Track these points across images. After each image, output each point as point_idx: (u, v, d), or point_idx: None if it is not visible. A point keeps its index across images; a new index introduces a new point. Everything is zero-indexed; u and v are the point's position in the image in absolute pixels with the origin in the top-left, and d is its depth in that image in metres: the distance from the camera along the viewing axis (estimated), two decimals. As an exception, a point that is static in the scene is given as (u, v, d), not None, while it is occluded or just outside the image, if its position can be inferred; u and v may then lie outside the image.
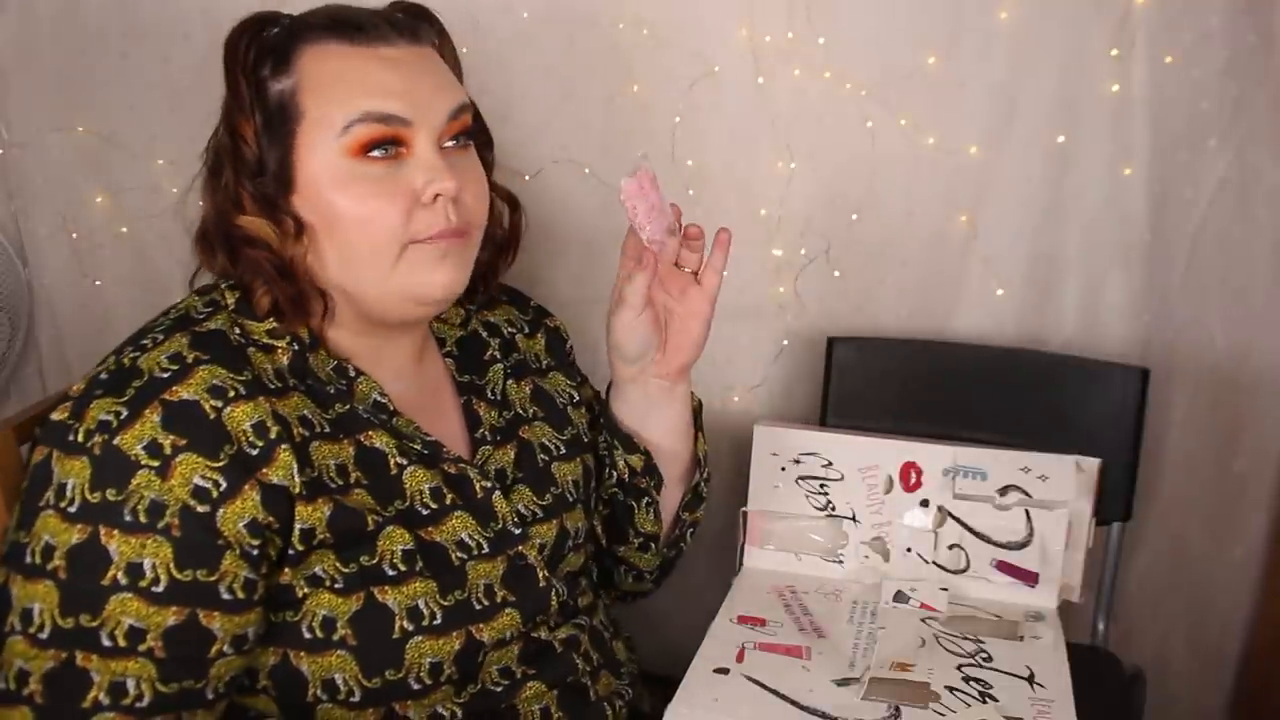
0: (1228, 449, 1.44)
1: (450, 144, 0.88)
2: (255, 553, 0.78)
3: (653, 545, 1.09)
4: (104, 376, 0.80)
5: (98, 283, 1.48)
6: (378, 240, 0.84)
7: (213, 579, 0.76)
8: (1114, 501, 1.29)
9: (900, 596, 1.06)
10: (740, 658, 0.96)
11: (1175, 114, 1.31)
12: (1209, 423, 1.43)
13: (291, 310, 0.85)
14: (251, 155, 0.85)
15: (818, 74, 1.34)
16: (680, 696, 0.89)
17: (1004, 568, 1.09)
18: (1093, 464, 1.08)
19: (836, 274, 1.41)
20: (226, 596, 0.77)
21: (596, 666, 0.98)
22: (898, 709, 0.88)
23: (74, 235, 1.46)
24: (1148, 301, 1.38)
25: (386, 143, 0.84)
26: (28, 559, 0.75)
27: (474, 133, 0.92)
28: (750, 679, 0.92)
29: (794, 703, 0.89)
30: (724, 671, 0.93)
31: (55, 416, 0.78)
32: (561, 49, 1.35)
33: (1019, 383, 1.36)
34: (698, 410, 1.10)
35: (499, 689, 0.90)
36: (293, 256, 0.85)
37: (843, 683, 0.92)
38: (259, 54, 0.86)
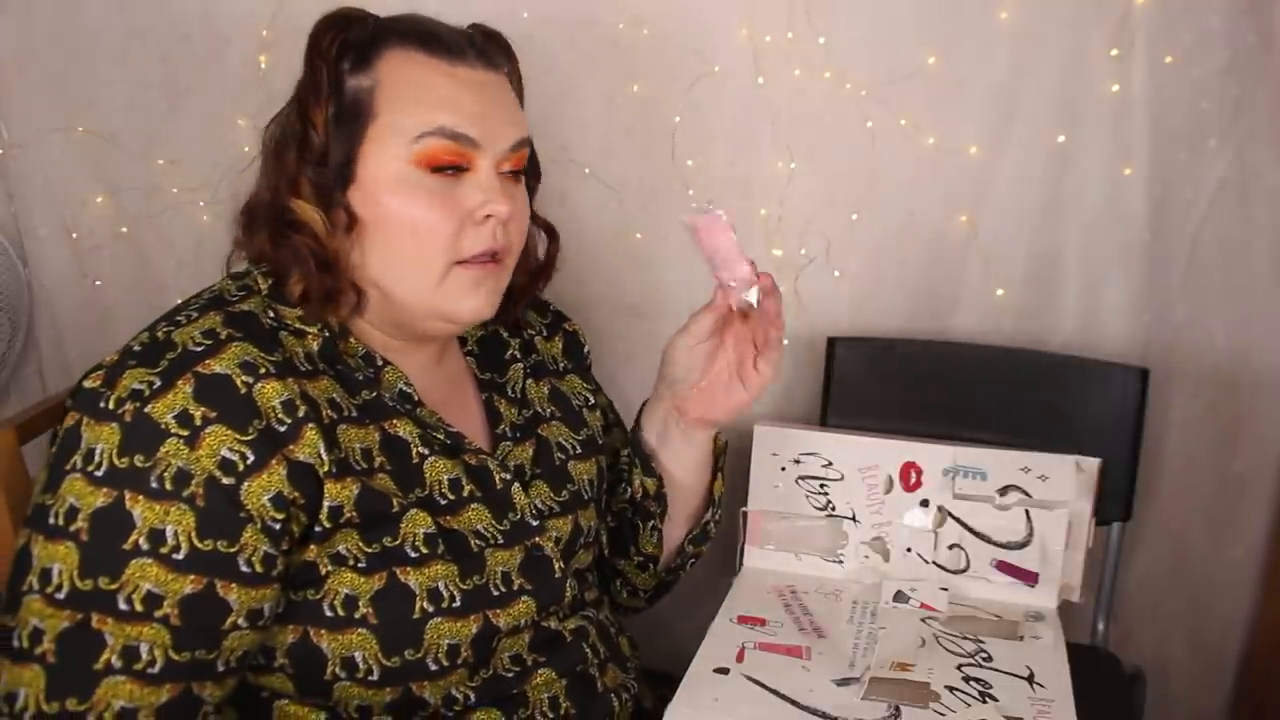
0: (1227, 449, 1.43)
1: (506, 172, 0.90)
2: (277, 528, 0.79)
3: (651, 566, 1.11)
4: (137, 348, 0.81)
5: (98, 283, 1.48)
6: (426, 251, 0.86)
7: (233, 550, 0.77)
8: (1114, 501, 1.29)
9: (900, 596, 1.06)
10: (740, 657, 0.96)
11: (1175, 114, 1.31)
12: (1209, 423, 1.43)
13: (322, 301, 0.87)
14: (318, 143, 0.86)
15: (818, 74, 1.34)
16: (680, 696, 0.89)
17: (1004, 568, 1.09)
18: (1093, 464, 1.08)
19: (836, 274, 1.41)
20: (245, 569, 0.78)
21: (604, 659, 0.98)
22: (898, 709, 0.88)
23: (74, 235, 1.46)
24: (1148, 301, 1.38)
25: (452, 163, 0.86)
26: (51, 520, 0.76)
27: (527, 166, 0.95)
28: (750, 679, 0.92)
29: (794, 703, 0.89)
30: (724, 671, 0.93)
31: (87, 384, 0.79)
32: (561, 49, 1.35)
33: (1019, 383, 1.36)
34: (723, 450, 1.11)
35: (510, 675, 0.91)
36: (337, 249, 0.86)
37: (843, 683, 0.92)
38: (341, 48, 0.88)
